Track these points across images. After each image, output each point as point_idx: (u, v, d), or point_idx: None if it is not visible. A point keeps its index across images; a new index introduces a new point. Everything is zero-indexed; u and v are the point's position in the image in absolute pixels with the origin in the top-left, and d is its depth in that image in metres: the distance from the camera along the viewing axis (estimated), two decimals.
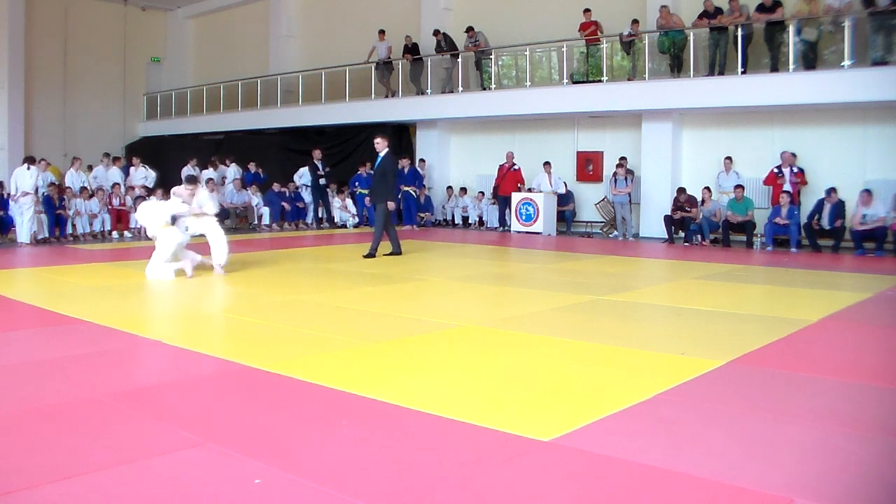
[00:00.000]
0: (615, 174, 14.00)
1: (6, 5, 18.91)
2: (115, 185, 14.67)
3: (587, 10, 14.58)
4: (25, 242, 12.16)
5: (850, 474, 2.97)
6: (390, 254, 10.42)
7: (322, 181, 16.48)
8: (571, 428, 3.41)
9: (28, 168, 12.56)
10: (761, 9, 12.52)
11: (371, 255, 10.25)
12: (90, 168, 15.65)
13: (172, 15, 24.56)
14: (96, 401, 3.84)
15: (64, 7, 21.63)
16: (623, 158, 14.06)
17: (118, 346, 5.27)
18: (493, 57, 16.26)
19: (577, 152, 15.84)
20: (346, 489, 2.75)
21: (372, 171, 10.42)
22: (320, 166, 16.51)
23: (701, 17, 13.21)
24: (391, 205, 10.53)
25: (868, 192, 11.31)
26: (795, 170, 12.32)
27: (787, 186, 12.15)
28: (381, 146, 10.40)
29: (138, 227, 12.90)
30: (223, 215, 15.67)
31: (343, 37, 19.83)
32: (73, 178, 14.67)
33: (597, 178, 15.50)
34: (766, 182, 12.56)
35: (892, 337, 5.75)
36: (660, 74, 13.87)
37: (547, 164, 15.18)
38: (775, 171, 12.42)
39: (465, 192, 17.05)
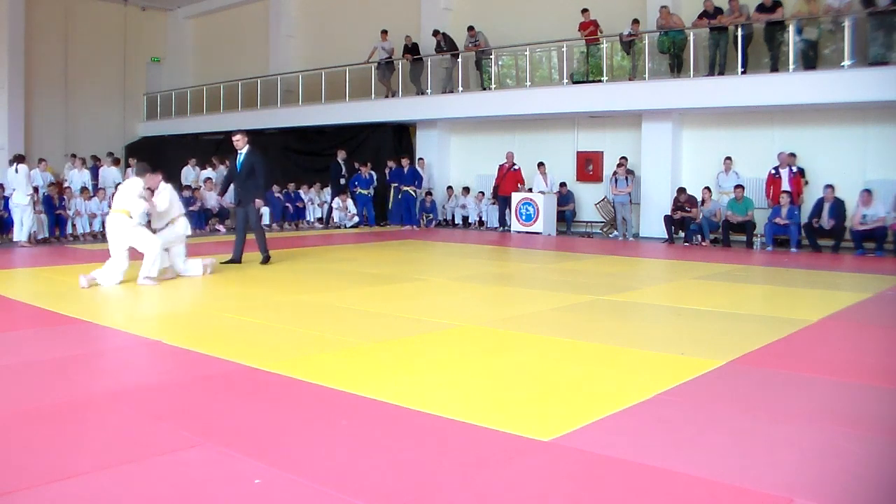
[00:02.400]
0: (615, 174, 14.00)
1: (6, 5, 18.91)
2: (119, 184, 14.66)
3: (585, 10, 14.58)
4: (22, 241, 12.08)
5: (850, 474, 2.97)
6: (229, 261, 9.36)
7: (342, 181, 16.68)
8: (571, 428, 3.40)
9: (14, 168, 12.21)
10: (761, 9, 12.52)
11: (236, 259, 9.40)
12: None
13: (172, 15, 24.57)
14: (96, 401, 3.84)
15: (64, 7, 21.63)
16: (623, 158, 14.05)
17: (118, 345, 5.27)
18: (493, 57, 16.25)
19: (577, 152, 15.84)
20: (346, 489, 2.75)
21: (340, 171, 9.66)
22: (343, 166, 16.62)
23: (701, 17, 13.21)
24: (259, 203, 9.51)
25: (868, 192, 11.31)
26: (794, 170, 12.31)
27: (786, 185, 12.15)
28: (241, 143, 9.34)
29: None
30: (223, 215, 15.72)
31: (343, 37, 19.83)
32: (76, 178, 14.67)
33: (597, 178, 15.50)
34: (766, 184, 12.51)
35: (892, 337, 5.75)
36: (660, 74, 13.87)
37: (541, 164, 15.20)
38: (772, 171, 12.41)
39: (468, 192, 17.05)
